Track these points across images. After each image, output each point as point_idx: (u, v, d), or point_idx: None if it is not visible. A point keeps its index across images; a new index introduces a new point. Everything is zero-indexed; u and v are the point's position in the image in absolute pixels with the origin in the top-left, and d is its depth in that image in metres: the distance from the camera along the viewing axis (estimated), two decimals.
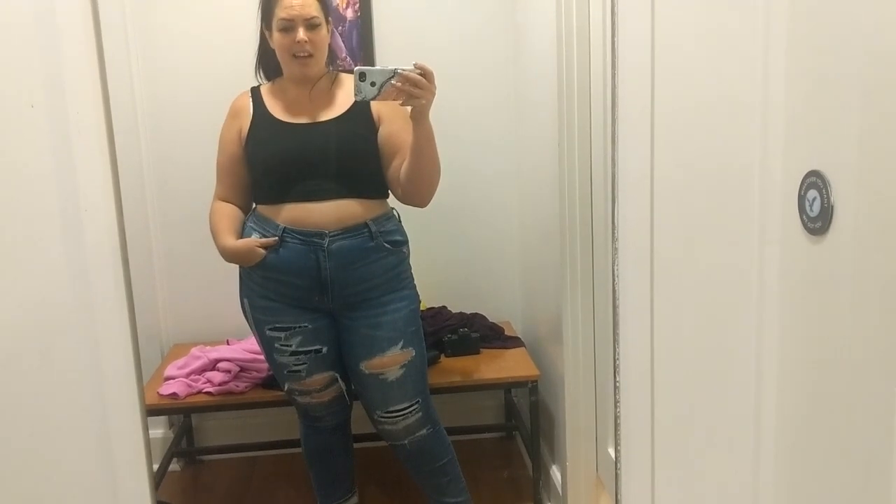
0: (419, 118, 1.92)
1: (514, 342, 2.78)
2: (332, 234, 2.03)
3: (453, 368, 2.60)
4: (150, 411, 2.40)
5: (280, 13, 1.99)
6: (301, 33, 1.99)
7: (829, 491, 0.80)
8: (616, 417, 1.27)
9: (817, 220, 0.78)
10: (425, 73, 1.84)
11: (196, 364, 2.57)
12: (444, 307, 2.88)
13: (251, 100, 2.14)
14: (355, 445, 2.44)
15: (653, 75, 1.11)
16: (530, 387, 2.54)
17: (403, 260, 2.15)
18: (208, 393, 2.49)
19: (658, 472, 1.22)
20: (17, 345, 1.50)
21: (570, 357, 2.27)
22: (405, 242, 2.16)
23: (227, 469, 2.97)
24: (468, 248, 2.98)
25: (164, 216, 2.84)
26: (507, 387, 2.92)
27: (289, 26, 2.00)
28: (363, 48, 2.77)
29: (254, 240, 2.06)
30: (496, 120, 2.89)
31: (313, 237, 2.03)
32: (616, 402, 1.26)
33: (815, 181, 0.78)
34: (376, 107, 2.07)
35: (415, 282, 2.19)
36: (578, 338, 2.26)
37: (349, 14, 2.76)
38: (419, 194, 2.08)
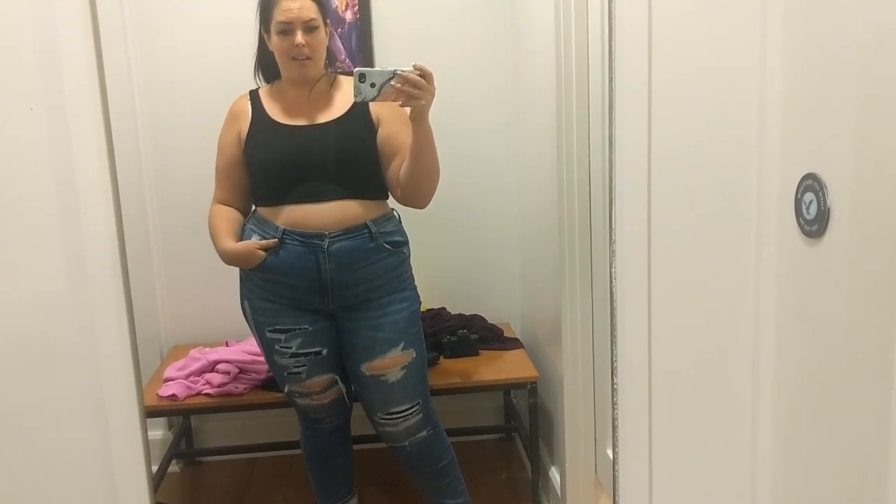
0: (419, 119, 1.92)
1: (514, 343, 2.79)
2: (331, 235, 2.03)
3: (452, 370, 2.60)
4: (150, 413, 2.40)
5: (278, 16, 1.99)
6: (299, 36, 2.00)
7: (825, 491, 0.80)
8: (614, 419, 1.28)
9: (814, 223, 0.79)
10: (425, 74, 1.84)
11: (195, 366, 2.57)
12: (444, 308, 2.88)
13: (250, 103, 2.14)
14: (355, 447, 2.44)
15: (650, 79, 1.11)
16: (529, 388, 2.54)
17: (404, 261, 2.16)
18: (207, 394, 2.49)
19: (656, 474, 1.22)
20: (16, 347, 1.51)
21: (568, 358, 2.27)
22: (405, 243, 2.16)
23: (227, 470, 2.97)
24: (467, 249, 2.99)
25: (164, 219, 2.84)
26: (506, 388, 2.92)
27: (287, 29, 2.00)
28: (362, 50, 2.78)
29: (253, 242, 2.06)
30: (495, 121, 2.89)
31: (313, 238, 2.03)
32: (614, 403, 1.27)
33: (811, 184, 0.79)
34: (375, 108, 2.08)
35: (415, 283, 2.20)
36: (577, 339, 2.26)
37: (348, 16, 2.76)
38: (419, 195, 2.08)
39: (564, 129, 2.14)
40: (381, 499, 2.72)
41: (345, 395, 2.25)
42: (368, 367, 2.11)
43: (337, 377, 2.20)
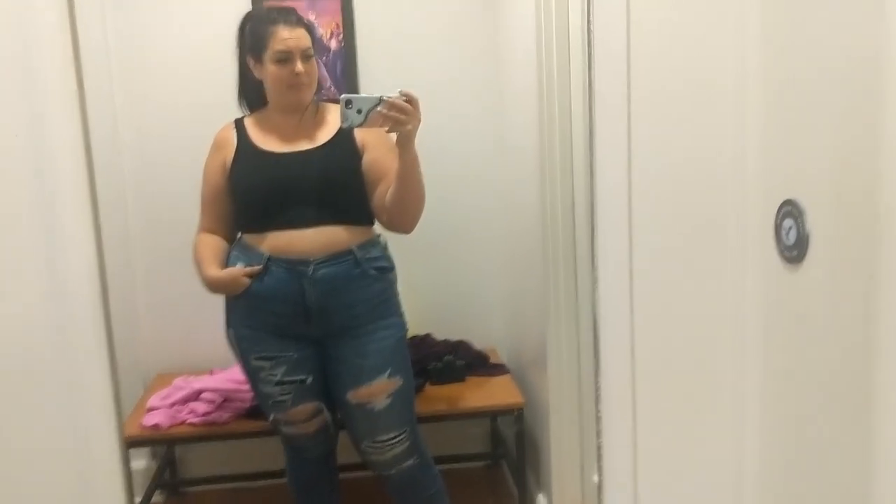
0: (405, 145, 1.93)
1: (500, 369, 2.78)
2: (316, 261, 2.03)
3: (438, 396, 2.59)
4: (133, 442, 2.38)
5: (276, 45, 2.00)
6: (299, 65, 2.01)
7: None
8: (599, 446, 1.27)
9: (793, 249, 0.79)
10: (411, 101, 1.85)
11: (179, 394, 2.55)
12: (429, 334, 2.87)
13: (235, 131, 2.14)
14: (341, 475, 2.41)
15: (629, 107, 1.12)
16: (516, 415, 2.52)
17: (390, 287, 2.15)
18: (192, 423, 2.46)
19: (641, 500, 1.22)
20: None
21: (554, 384, 2.26)
22: (391, 269, 2.16)
23: (212, 500, 2.93)
24: (453, 275, 2.98)
25: (148, 246, 2.83)
26: (492, 415, 2.91)
27: (286, 58, 2.01)
28: (347, 78, 2.79)
29: (238, 269, 2.06)
30: (480, 146, 2.91)
31: (298, 265, 2.03)
32: (598, 431, 1.26)
33: (790, 210, 0.79)
34: (360, 134, 2.08)
35: (402, 309, 2.19)
36: (563, 365, 2.26)
37: (333, 44, 2.78)
38: (404, 220, 2.09)
39: (548, 155, 2.16)
40: None
41: (330, 424, 2.23)
42: (354, 395, 2.10)
43: (322, 405, 2.18)
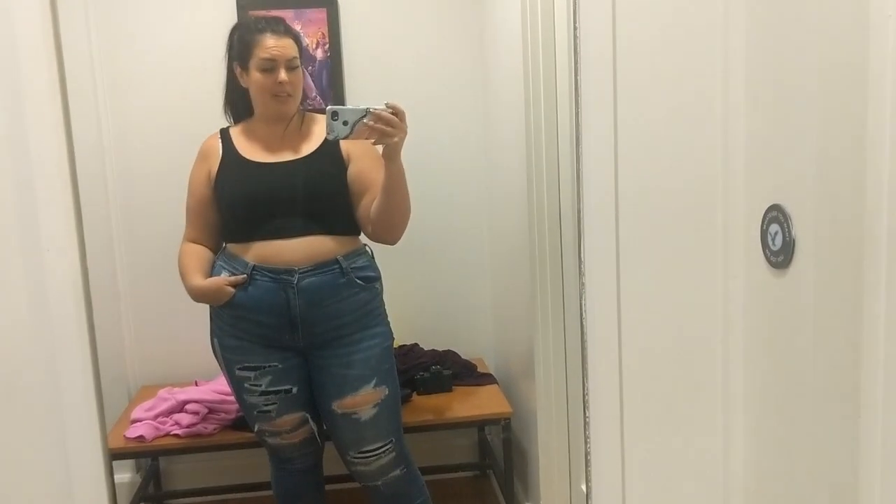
0: (391, 157, 1.92)
1: (487, 379, 2.77)
2: (301, 270, 2.02)
3: (426, 406, 2.58)
4: (117, 455, 2.35)
5: (261, 53, 2.00)
6: (283, 74, 2.00)
7: None
8: (587, 453, 1.27)
9: (779, 254, 0.80)
10: (397, 112, 1.85)
11: (163, 406, 2.53)
12: (416, 344, 2.87)
13: (220, 141, 2.13)
14: (327, 487, 2.40)
15: (616, 116, 1.12)
16: (503, 424, 2.52)
17: (376, 296, 2.14)
18: (176, 435, 2.44)
19: None
20: None
21: (542, 393, 2.26)
22: (378, 279, 2.15)
23: None
24: (440, 284, 2.98)
25: (132, 256, 2.81)
26: (479, 424, 2.90)
27: (270, 67, 2.00)
28: (333, 87, 2.79)
29: (222, 278, 2.05)
30: (466, 157, 2.91)
31: (283, 274, 2.02)
32: (586, 437, 1.26)
33: (776, 215, 0.80)
34: (346, 145, 2.08)
35: (388, 318, 2.18)
36: (550, 373, 2.25)
37: (319, 54, 2.78)
38: (390, 231, 2.08)
39: (535, 165, 2.16)
40: None
41: (316, 434, 2.22)
42: (340, 405, 2.09)
43: (308, 415, 2.17)
